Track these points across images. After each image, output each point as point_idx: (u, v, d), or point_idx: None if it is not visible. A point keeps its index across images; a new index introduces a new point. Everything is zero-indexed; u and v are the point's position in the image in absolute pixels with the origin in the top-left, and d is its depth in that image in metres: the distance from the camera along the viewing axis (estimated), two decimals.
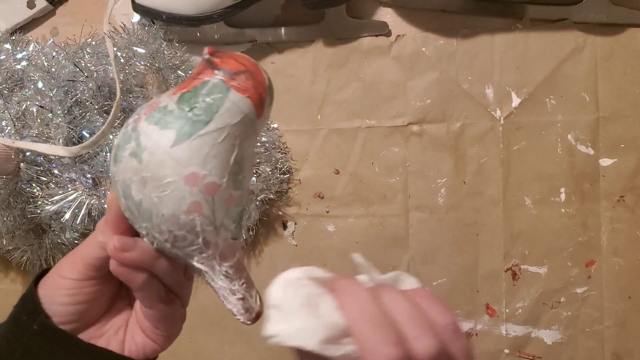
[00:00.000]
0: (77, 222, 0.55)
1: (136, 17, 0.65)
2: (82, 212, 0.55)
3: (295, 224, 0.66)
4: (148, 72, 0.58)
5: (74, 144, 0.56)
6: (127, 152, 0.28)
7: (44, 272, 0.34)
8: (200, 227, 0.29)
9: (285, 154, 0.65)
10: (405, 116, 0.63)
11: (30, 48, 0.62)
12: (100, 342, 0.33)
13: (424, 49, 0.63)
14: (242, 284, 0.32)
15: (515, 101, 0.62)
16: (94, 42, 0.60)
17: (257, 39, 0.65)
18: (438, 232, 0.63)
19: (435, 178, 0.63)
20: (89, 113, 0.57)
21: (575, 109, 0.61)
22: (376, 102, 0.64)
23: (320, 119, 0.65)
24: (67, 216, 0.55)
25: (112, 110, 0.53)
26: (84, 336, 0.33)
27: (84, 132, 0.57)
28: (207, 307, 0.66)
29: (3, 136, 0.55)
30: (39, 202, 0.56)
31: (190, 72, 0.59)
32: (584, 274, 0.61)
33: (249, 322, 0.33)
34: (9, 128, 0.55)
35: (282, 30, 0.64)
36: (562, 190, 0.61)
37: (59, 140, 0.55)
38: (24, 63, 0.60)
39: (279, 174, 0.63)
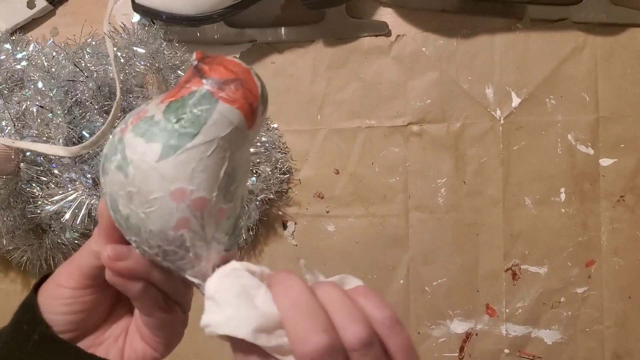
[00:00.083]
0: (77, 222, 0.55)
1: (136, 17, 0.65)
2: (82, 212, 0.55)
3: (295, 224, 0.66)
4: (148, 72, 0.58)
5: (74, 144, 0.56)
6: (113, 164, 0.27)
7: (43, 279, 0.33)
8: (190, 242, 0.28)
9: (285, 154, 0.65)
10: (405, 116, 0.63)
11: (30, 48, 0.62)
12: (100, 350, 0.33)
13: (424, 49, 0.63)
14: None
15: (515, 101, 0.62)
16: (94, 42, 0.61)
17: (257, 39, 0.65)
18: (438, 232, 0.63)
19: (435, 178, 0.63)
20: (89, 113, 0.57)
21: (575, 109, 0.61)
22: (376, 102, 0.64)
23: (320, 119, 0.65)
24: (67, 216, 0.55)
25: (112, 110, 0.53)
26: (83, 344, 0.33)
27: (84, 132, 0.57)
28: None
29: (3, 136, 0.55)
30: (39, 202, 0.56)
31: None
32: (584, 274, 0.61)
33: None
34: (9, 128, 0.55)
35: (282, 30, 0.64)
36: (562, 190, 0.61)
37: (59, 140, 0.55)
38: (24, 63, 0.60)
39: (279, 174, 0.63)
